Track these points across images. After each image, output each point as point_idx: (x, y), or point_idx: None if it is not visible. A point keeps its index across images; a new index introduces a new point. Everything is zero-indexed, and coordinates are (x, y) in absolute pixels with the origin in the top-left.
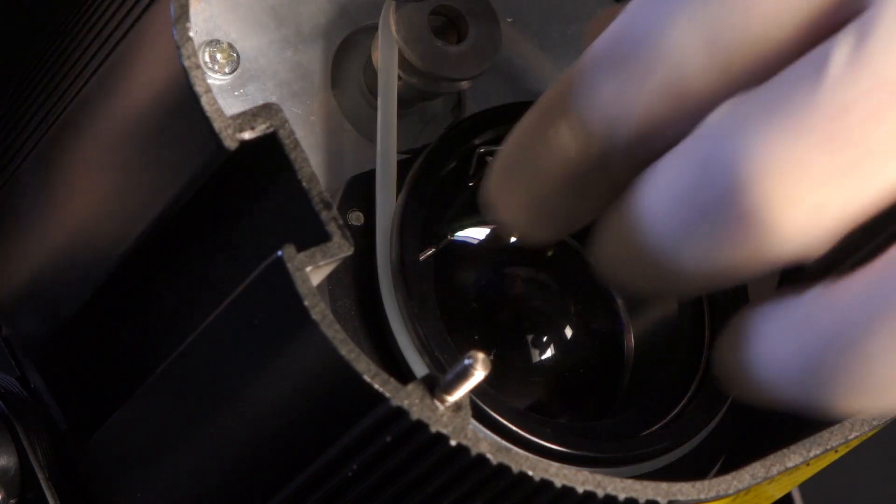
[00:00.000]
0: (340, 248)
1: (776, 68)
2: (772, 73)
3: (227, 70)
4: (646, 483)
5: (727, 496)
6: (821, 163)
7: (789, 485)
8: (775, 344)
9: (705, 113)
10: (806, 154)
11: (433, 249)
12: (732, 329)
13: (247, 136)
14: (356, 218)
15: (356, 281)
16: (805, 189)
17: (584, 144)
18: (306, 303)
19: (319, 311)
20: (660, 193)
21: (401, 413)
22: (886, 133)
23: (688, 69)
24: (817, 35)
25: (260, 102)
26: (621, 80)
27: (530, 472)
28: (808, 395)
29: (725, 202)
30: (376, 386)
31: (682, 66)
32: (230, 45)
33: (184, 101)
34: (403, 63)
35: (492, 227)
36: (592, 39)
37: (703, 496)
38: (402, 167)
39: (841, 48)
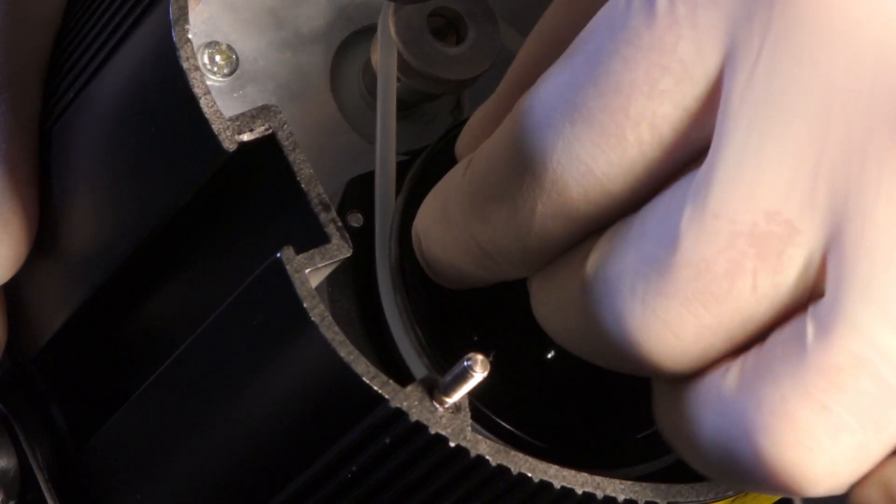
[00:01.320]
0: (339, 249)
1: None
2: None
3: (226, 72)
4: (645, 484)
5: (726, 497)
6: (687, 322)
7: None
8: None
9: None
10: (674, 316)
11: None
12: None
13: (246, 137)
14: (356, 219)
15: (355, 282)
16: (675, 346)
17: (474, 252)
18: (305, 304)
19: (318, 312)
20: (552, 306)
21: (400, 414)
22: (749, 285)
23: (569, 199)
24: (684, 158)
25: (259, 104)
26: (513, 205)
27: (529, 474)
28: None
29: (606, 331)
30: (375, 387)
31: (564, 196)
32: (229, 47)
33: (183, 102)
34: (402, 65)
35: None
36: (469, 143)
37: (702, 498)
38: (402, 168)
39: (687, 200)
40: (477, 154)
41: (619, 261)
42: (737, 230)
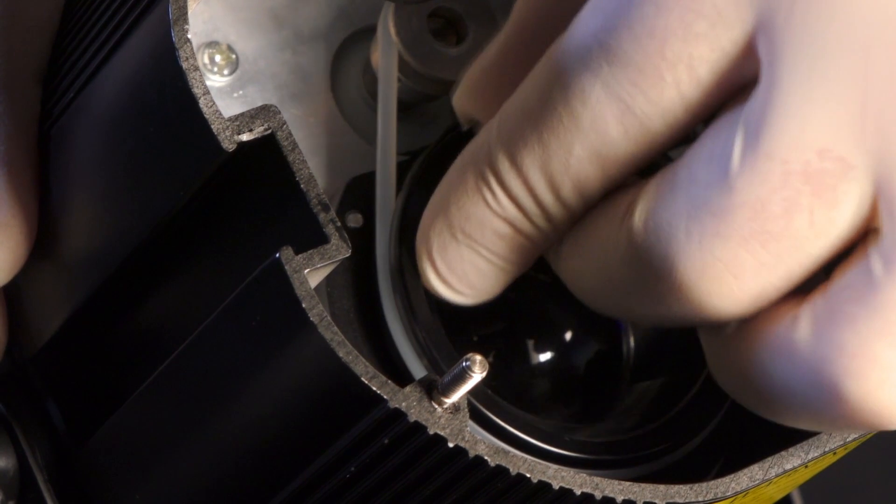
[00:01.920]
0: (338, 250)
1: (689, 128)
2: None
3: (226, 72)
4: (644, 485)
5: (725, 498)
6: (745, 261)
7: (788, 487)
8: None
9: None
10: (732, 256)
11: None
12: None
13: (245, 137)
14: (355, 220)
15: (355, 283)
16: (733, 286)
17: (508, 213)
18: (304, 305)
19: (317, 312)
20: (587, 257)
21: (399, 415)
22: (806, 221)
23: (608, 137)
24: (723, 96)
25: (259, 104)
26: (547, 150)
27: (528, 474)
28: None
29: (658, 278)
30: (374, 388)
31: (603, 135)
32: (229, 47)
33: (182, 102)
34: (402, 65)
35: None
36: (469, 96)
37: (701, 498)
38: (402, 169)
39: (737, 143)
40: (506, 108)
41: (671, 205)
42: (790, 169)
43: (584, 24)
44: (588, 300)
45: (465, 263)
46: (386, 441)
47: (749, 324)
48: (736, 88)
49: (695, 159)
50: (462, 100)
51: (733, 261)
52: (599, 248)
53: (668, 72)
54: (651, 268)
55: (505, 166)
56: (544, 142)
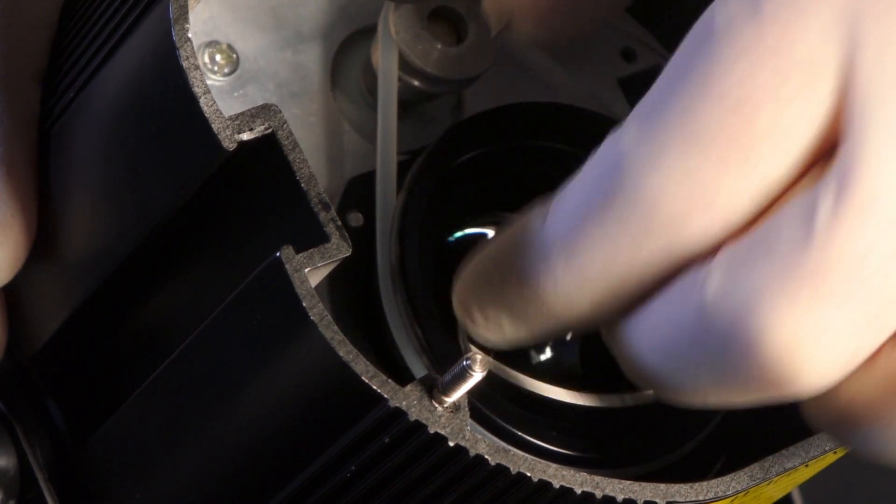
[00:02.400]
0: (339, 249)
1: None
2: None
3: (226, 71)
4: (644, 484)
5: (725, 497)
6: (842, 325)
7: (788, 486)
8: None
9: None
10: (828, 320)
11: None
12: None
13: (245, 137)
14: (356, 219)
15: (356, 282)
16: (829, 354)
17: (558, 302)
18: (304, 304)
19: (318, 312)
20: (651, 335)
21: (399, 414)
22: None
23: (687, 226)
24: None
25: (259, 103)
26: (614, 242)
27: (528, 473)
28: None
29: (732, 352)
30: (374, 387)
31: (680, 223)
32: (229, 46)
33: (182, 102)
34: (403, 64)
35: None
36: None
37: (701, 497)
38: (402, 168)
39: (826, 197)
40: (558, 204)
41: (751, 274)
42: (888, 218)
43: (649, 120)
44: (650, 385)
45: (505, 330)
46: (386, 440)
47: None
48: (826, 149)
49: (776, 221)
50: None
51: (830, 326)
52: (665, 327)
53: (758, 145)
54: (728, 346)
55: (560, 263)
56: (608, 241)
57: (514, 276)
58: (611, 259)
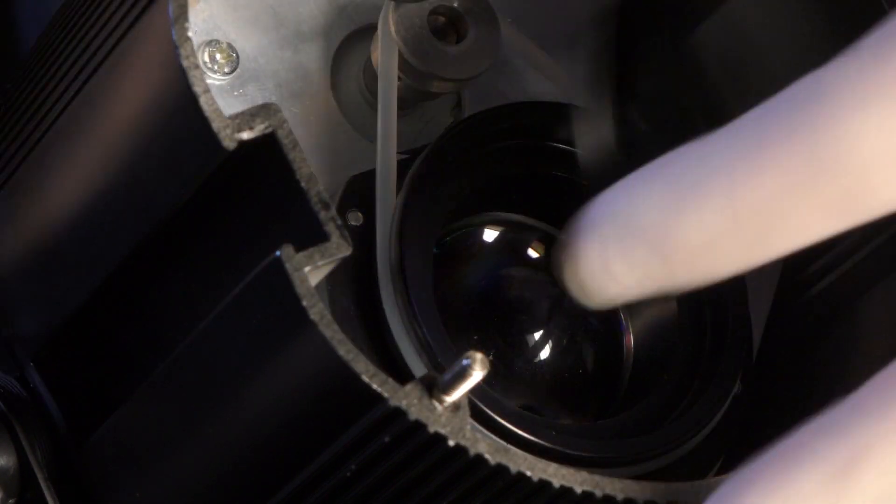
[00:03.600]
0: (339, 248)
1: None
2: None
3: (226, 70)
4: (644, 483)
5: None
6: None
7: None
8: None
9: None
10: None
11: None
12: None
13: (245, 136)
14: (356, 218)
15: (355, 281)
16: None
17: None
18: (304, 303)
19: (318, 311)
20: None
21: (399, 413)
22: None
23: None
24: None
25: (259, 102)
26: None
27: (528, 473)
28: None
29: None
30: (374, 386)
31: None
32: (229, 45)
33: (182, 101)
34: (403, 63)
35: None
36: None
37: (701, 497)
38: (402, 167)
39: None
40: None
41: None
42: None
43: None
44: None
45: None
46: (386, 439)
47: None
48: None
49: None
50: None
51: None
52: None
53: None
54: None
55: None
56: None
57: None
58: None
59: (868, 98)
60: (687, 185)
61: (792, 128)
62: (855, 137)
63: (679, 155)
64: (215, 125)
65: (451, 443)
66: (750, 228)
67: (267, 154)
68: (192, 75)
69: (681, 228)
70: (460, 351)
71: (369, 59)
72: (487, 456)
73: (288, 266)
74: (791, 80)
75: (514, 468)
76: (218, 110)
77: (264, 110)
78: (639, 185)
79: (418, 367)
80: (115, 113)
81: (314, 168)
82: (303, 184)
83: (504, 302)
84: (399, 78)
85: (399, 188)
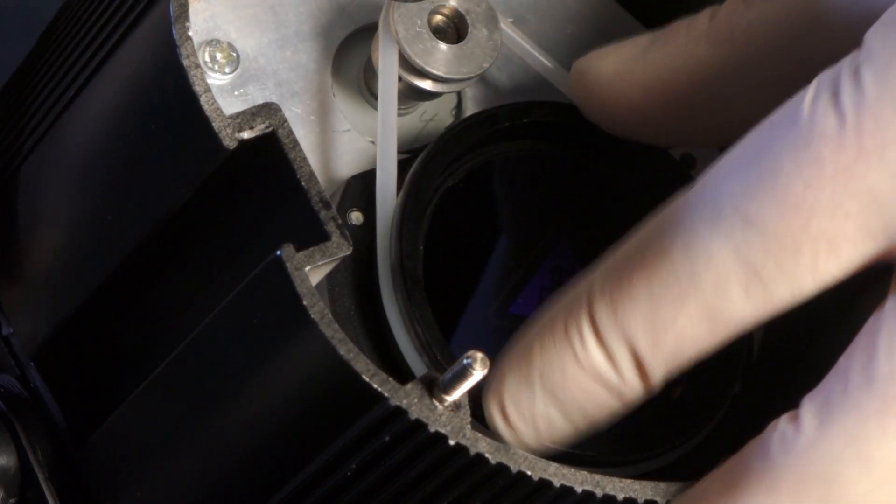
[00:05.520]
0: (339, 247)
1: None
2: None
3: (226, 70)
4: (644, 483)
5: None
6: None
7: None
8: None
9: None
10: None
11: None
12: None
13: (246, 135)
14: (356, 218)
15: (356, 280)
16: None
17: (598, 367)
18: (305, 302)
19: (318, 310)
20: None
21: (399, 412)
22: None
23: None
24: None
25: (260, 102)
26: (656, 305)
27: (529, 472)
28: None
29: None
30: (375, 385)
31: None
32: (230, 45)
33: (183, 100)
34: (403, 63)
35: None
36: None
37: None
38: (402, 167)
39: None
40: (613, 258)
41: (854, 409)
42: None
43: (715, 186)
44: None
45: (537, 411)
46: (387, 439)
47: None
48: (882, 265)
49: (873, 351)
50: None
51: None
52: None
53: (808, 245)
54: (828, 481)
55: (604, 316)
56: (655, 296)
57: (552, 339)
58: (653, 314)
59: None
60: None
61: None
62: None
63: None
64: (216, 125)
65: (452, 442)
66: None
67: (267, 153)
68: (193, 75)
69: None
70: (460, 350)
71: (369, 59)
72: (488, 455)
73: (288, 265)
74: None
75: (514, 468)
76: (218, 110)
77: (265, 110)
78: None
79: (418, 367)
80: (116, 113)
81: (314, 167)
82: (303, 183)
83: (504, 301)
84: (399, 78)
85: (399, 189)
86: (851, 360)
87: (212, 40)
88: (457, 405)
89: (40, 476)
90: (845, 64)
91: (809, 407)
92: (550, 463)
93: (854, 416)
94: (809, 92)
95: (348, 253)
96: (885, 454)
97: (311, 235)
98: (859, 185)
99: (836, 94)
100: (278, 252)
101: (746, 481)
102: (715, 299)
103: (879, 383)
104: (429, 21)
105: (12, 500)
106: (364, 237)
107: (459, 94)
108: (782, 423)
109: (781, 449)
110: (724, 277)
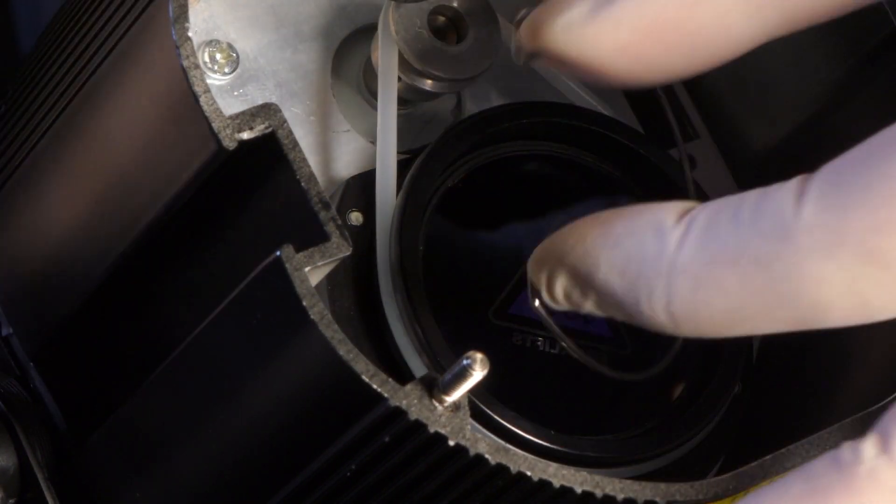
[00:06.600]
0: (339, 248)
1: None
2: None
3: (226, 70)
4: (644, 483)
5: (725, 497)
6: None
7: None
8: None
9: None
10: None
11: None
12: None
13: (245, 136)
14: (356, 218)
15: (356, 281)
16: None
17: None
18: (305, 303)
19: (318, 311)
20: None
21: (399, 413)
22: None
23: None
24: None
25: (259, 102)
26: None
27: (528, 473)
28: None
29: None
30: (375, 386)
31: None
32: (230, 46)
33: (183, 100)
34: (403, 63)
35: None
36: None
37: (701, 496)
38: (402, 167)
39: None
40: (695, 222)
41: None
42: None
43: (834, 214)
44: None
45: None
46: (387, 439)
47: None
48: None
49: None
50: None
51: None
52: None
53: None
54: None
55: (680, 288)
56: (746, 298)
57: (617, 268)
58: (739, 308)
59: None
60: None
61: None
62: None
63: None
64: (215, 125)
65: (452, 443)
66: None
67: (267, 154)
68: (193, 75)
69: None
70: (461, 351)
71: (369, 59)
72: (487, 456)
73: (288, 266)
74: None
75: (514, 468)
76: (218, 110)
77: (264, 110)
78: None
79: (418, 367)
80: (115, 113)
81: (314, 168)
82: (303, 184)
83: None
84: (399, 78)
85: (399, 189)
86: None
87: (211, 41)
88: (456, 406)
89: (40, 476)
90: None
91: None
92: (550, 463)
93: None
94: None
95: (348, 253)
96: None
97: (310, 236)
98: None
99: None
100: (278, 252)
101: None
102: (811, 314)
103: None
104: (429, 21)
105: (12, 501)
106: (364, 237)
107: (459, 94)
108: (869, 453)
109: (871, 485)
110: (830, 301)
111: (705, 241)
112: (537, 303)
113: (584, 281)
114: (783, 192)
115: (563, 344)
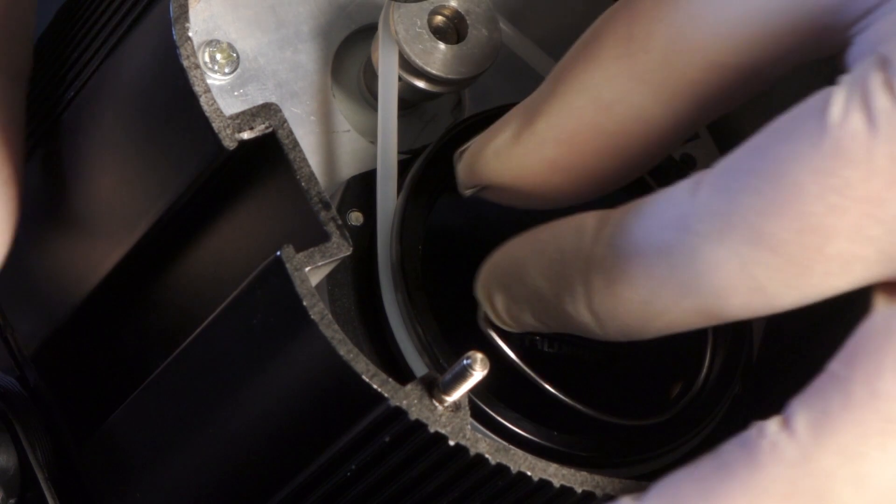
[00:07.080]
0: (339, 248)
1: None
2: None
3: (226, 70)
4: (644, 483)
5: None
6: None
7: None
8: None
9: None
10: None
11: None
12: None
13: (246, 135)
14: (356, 218)
15: (356, 281)
16: None
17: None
18: (305, 303)
19: (318, 311)
20: None
21: (399, 413)
22: None
23: (726, 305)
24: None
25: (259, 102)
26: (652, 295)
27: (529, 472)
28: None
29: None
30: (375, 386)
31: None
32: (230, 46)
33: (183, 100)
34: (403, 63)
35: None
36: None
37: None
38: (402, 167)
39: None
40: (620, 224)
41: None
42: None
43: (727, 195)
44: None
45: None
46: (387, 439)
47: None
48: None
49: (880, 368)
50: (484, 171)
51: None
52: None
53: (820, 265)
54: (819, 496)
55: (592, 289)
56: (650, 289)
57: (552, 277)
58: (649, 301)
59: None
60: None
61: None
62: None
63: None
64: (216, 125)
65: (452, 443)
66: None
67: (267, 154)
68: (193, 75)
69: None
70: (461, 351)
71: (369, 59)
72: (488, 456)
73: (288, 266)
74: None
75: (514, 468)
76: (218, 110)
77: (264, 110)
78: None
79: (418, 367)
80: (115, 113)
81: (314, 168)
82: (303, 184)
83: None
84: (399, 78)
85: (399, 188)
86: (853, 372)
87: (212, 41)
88: (457, 406)
89: (40, 476)
90: (873, 78)
91: (804, 415)
92: (550, 463)
93: (855, 432)
94: (835, 107)
95: (348, 253)
96: (881, 476)
97: (311, 236)
98: (887, 211)
99: (868, 115)
100: (278, 252)
101: (730, 488)
102: (713, 302)
103: (884, 402)
104: (429, 21)
105: (12, 501)
106: (364, 237)
107: (459, 94)
108: (772, 429)
109: (772, 457)
110: (726, 286)
111: (616, 236)
112: (486, 324)
113: (517, 293)
114: (684, 184)
115: (518, 369)
